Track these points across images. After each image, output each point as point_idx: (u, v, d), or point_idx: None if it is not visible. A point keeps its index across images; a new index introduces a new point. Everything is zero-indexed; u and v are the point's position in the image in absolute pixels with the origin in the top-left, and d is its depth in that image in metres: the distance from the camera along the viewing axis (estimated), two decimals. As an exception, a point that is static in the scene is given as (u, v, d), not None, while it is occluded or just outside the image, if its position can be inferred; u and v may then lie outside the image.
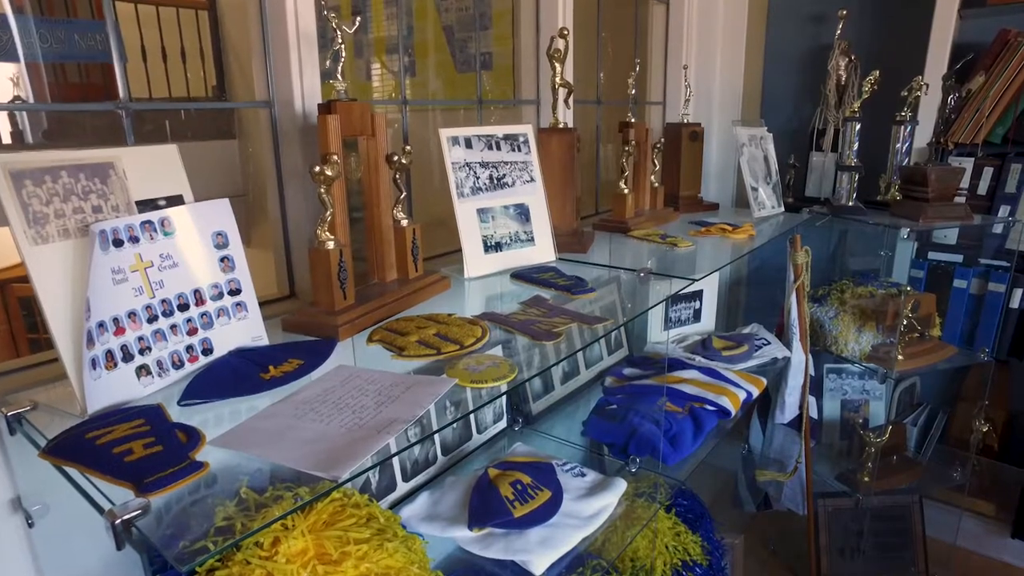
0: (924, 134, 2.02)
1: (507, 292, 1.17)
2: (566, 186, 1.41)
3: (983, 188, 2.07)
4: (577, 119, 2.01)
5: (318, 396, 0.75)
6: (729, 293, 2.62)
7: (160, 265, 0.81)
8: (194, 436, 0.64)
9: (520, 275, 1.21)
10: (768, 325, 2.09)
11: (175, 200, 0.87)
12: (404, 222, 1.13)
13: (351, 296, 1.00)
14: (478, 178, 1.25)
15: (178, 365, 0.81)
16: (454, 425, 1.37)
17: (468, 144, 1.25)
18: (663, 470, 1.35)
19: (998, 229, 2.05)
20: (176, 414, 0.72)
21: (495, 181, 1.27)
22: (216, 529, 0.64)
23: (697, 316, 2.05)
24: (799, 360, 1.96)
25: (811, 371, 2.02)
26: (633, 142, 1.63)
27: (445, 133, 1.22)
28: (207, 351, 0.85)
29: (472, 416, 1.42)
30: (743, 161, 1.76)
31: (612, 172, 2.21)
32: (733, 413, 1.53)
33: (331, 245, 0.97)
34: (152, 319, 0.79)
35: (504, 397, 1.51)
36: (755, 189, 1.77)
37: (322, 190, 0.96)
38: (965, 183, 1.94)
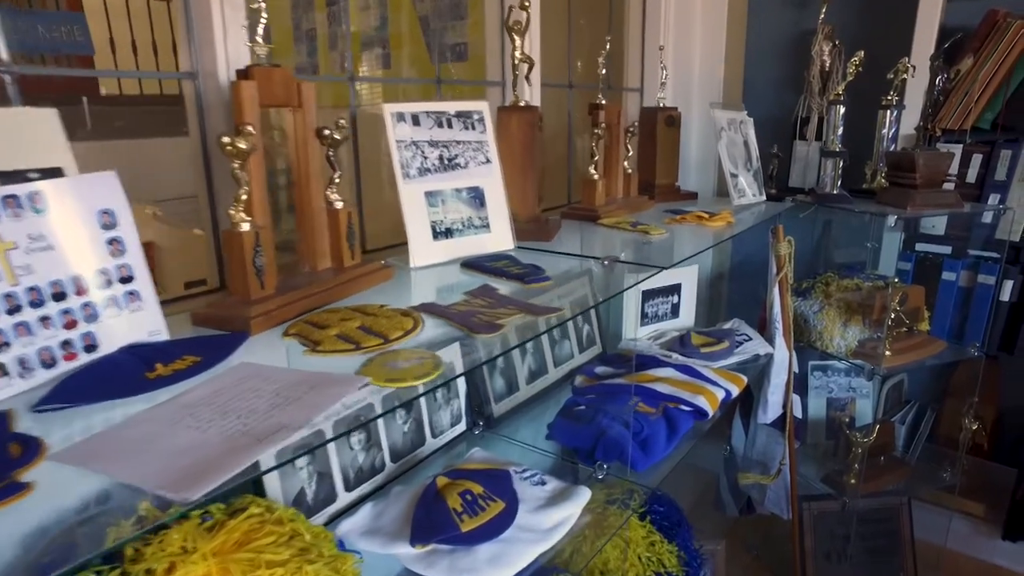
0: (911, 119, 1.93)
1: (456, 282, 1.06)
2: (527, 169, 1.30)
3: (972, 176, 1.98)
4: (551, 106, 1.90)
5: (204, 398, 0.64)
6: (711, 287, 2.52)
7: (28, 247, 0.69)
8: (31, 450, 0.53)
9: (471, 264, 1.10)
10: (751, 320, 1.99)
11: (52, 173, 0.75)
12: (338, 204, 1.01)
13: (270, 285, 0.88)
14: (426, 158, 1.14)
15: (49, 364, 0.70)
16: (406, 430, 1.26)
17: (415, 121, 1.14)
18: (633, 476, 1.24)
19: (987, 218, 1.96)
20: (29, 423, 0.61)
21: (446, 162, 1.16)
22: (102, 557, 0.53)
23: (675, 311, 1.95)
24: (782, 357, 1.86)
25: (795, 368, 1.92)
26: (603, 124, 1.53)
27: (389, 108, 1.11)
28: (90, 347, 0.74)
29: (426, 418, 1.31)
30: (722, 146, 1.66)
31: (587, 162, 2.11)
32: (710, 414, 1.43)
33: (246, 227, 0.85)
34: (13, 310, 0.67)
35: (462, 398, 1.40)
36: (735, 176, 1.67)
37: (235, 165, 0.85)
38: (954, 170, 1.85)
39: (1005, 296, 1.97)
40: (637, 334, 1.88)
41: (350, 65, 1.31)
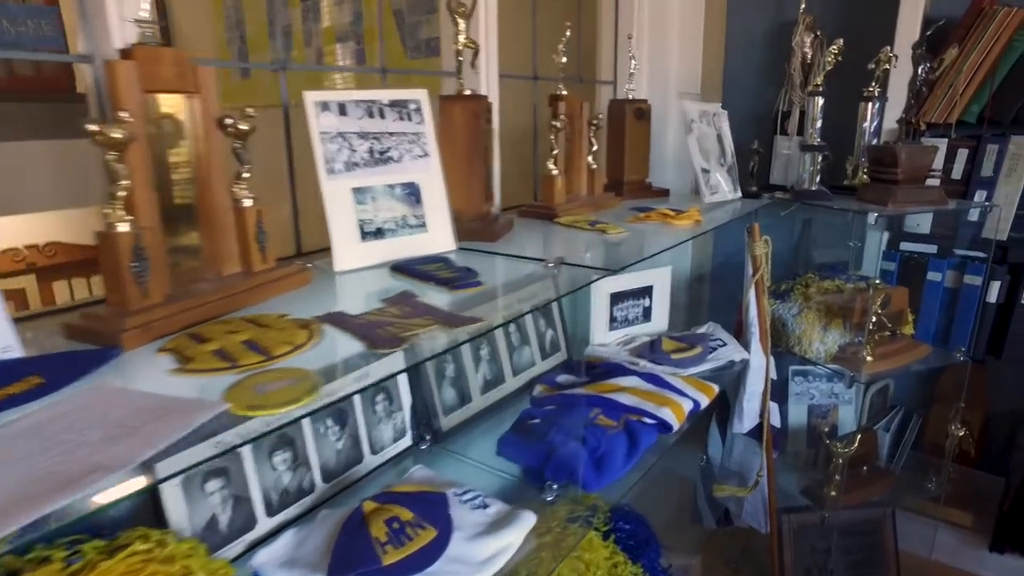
0: (894, 113, 1.84)
1: (381, 288, 0.95)
2: (472, 163, 1.20)
3: (958, 172, 1.89)
4: (520, 99, 1.80)
5: (29, 429, 0.54)
6: (690, 290, 2.43)
7: None
8: None
9: (401, 267, 1.00)
10: (730, 324, 1.90)
11: None
12: (246, 202, 0.91)
13: (157, 293, 0.78)
14: (354, 151, 1.04)
15: None
16: (340, 446, 1.15)
17: (342, 110, 1.04)
18: (584, 500, 1.14)
19: (974, 216, 1.87)
20: None
21: (376, 155, 1.06)
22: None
23: (647, 315, 1.85)
24: (759, 363, 1.76)
25: (774, 374, 1.83)
26: (563, 116, 1.43)
27: (311, 96, 1.01)
28: (-79, 368, 0.63)
29: (363, 433, 1.20)
30: (692, 140, 1.56)
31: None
32: (675, 427, 1.33)
33: (124, 228, 0.75)
34: None
35: (406, 410, 1.30)
36: (707, 171, 1.57)
37: (109, 157, 0.74)
38: (939, 166, 1.76)
39: (992, 297, 1.88)
40: (606, 339, 1.78)
41: (321, 59, 1.21)
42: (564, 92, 1.47)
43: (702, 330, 1.85)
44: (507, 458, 1.23)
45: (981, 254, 1.88)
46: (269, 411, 0.54)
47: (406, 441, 1.30)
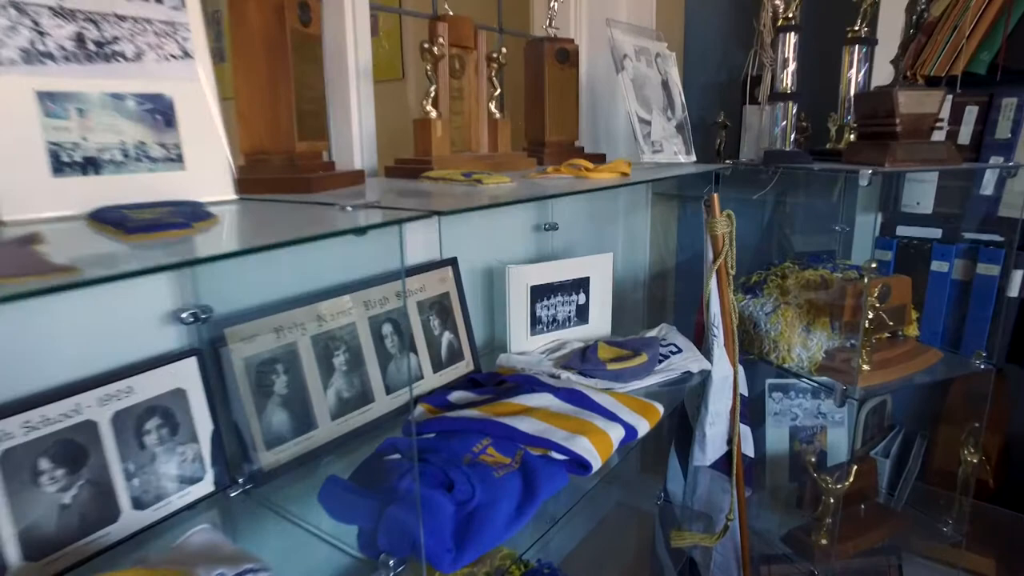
0: (885, 62, 1.48)
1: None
2: (278, 83, 0.81)
3: (965, 135, 1.52)
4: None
5: None
6: (650, 286, 2.04)
7: None
8: None
9: (103, 215, 0.61)
10: (686, 327, 1.51)
11: None
12: None
13: None
14: (43, 34, 0.65)
15: None
16: (67, 501, 0.75)
17: (28, -29, 0.65)
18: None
19: (988, 189, 1.51)
20: None
21: (93, 47, 0.67)
22: None
23: (582, 315, 1.46)
24: (723, 374, 1.38)
25: (743, 389, 1.44)
26: (443, 42, 1.05)
27: (-35, -59, 0.62)
28: None
29: (117, 475, 0.80)
30: (625, 79, 1.18)
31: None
32: (595, 465, 0.93)
33: None
34: None
35: (204, 441, 0.90)
36: (646, 122, 1.19)
37: None
38: (944, 117, 1.39)
39: (1014, 291, 1.51)
40: (527, 345, 1.39)
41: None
42: (449, 11, 1.09)
43: (652, 333, 1.46)
44: (330, 513, 0.82)
45: (998, 237, 1.52)
46: None
47: (205, 486, 0.90)
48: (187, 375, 0.89)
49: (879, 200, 1.66)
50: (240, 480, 0.93)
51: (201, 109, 0.73)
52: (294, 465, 0.97)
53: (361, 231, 0.50)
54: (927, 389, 1.80)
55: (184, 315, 0.89)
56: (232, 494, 0.92)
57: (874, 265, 1.24)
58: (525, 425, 0.98)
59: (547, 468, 0.90)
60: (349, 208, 0.61)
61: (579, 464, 0.93)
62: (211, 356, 0.92)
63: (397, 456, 0.93)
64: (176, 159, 0.71)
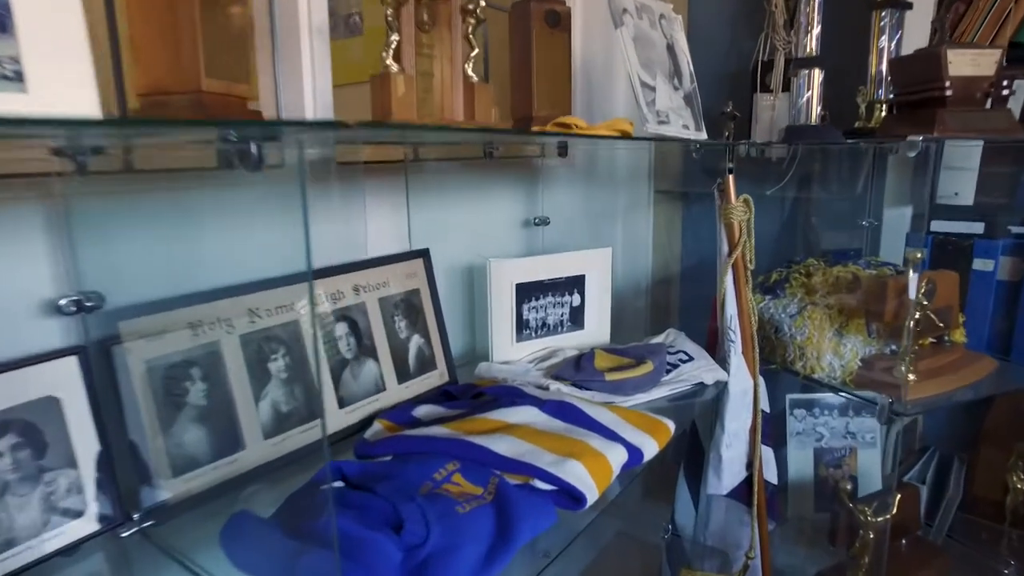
0: (917, 28, 1.30)
1: None
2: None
3: (1014, 112, 1.34)
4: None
5: None
6: (653, 292, 1.84)
7: None
8: None
9: None
10: (694, 335, 1.31)
11: None
12: None
13: None
14: None
15: None
16: None
17: None
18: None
19: (1039, 176, 1.33)
20: None
21: None
22: None
23: (577, 319, 1.27)
24: (742, 387, 1.18)
25: (764, 405, 1.24)
26: (409, -20, 0.87)
27: None
28: None
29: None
30: (624, 34, 1.00)
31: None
32: (590, 497, 0.73)
33: None
34: None
35: (86, 467, 0.69)
36: (650, 88, 1.01)
37: None
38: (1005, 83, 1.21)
39: (1071, 292, 1.32)
40: (512, 353, 1.19)
41: None
42: (419, -51, 0.91)
43: (658, 339, 1.27)
44: (232, 560, 0.62)
45: (1052, 230, 1.33)
46: None
47: (85, 524, 0.69)
48: (64, 380, 0.69)
49: (910, 191, 1.48)
50: (135, 516, 0.72)
51: (56, 14, 0.54)
52: (211, 496, 0.76)
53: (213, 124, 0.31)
54: (964, 405, 1.60)
55: (63, 302, 0.70)
56: (124, 534, 0.71)
57: (919, 255, 1.05)
58: (503, 446, 0.78)
59: (528, 501, 0.69)
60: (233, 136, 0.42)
61: (570, 496, 0.73)
62: (100, 356, 0.72)
63: (340, 484, 0.73)
64: (13, 77, 0.52)
